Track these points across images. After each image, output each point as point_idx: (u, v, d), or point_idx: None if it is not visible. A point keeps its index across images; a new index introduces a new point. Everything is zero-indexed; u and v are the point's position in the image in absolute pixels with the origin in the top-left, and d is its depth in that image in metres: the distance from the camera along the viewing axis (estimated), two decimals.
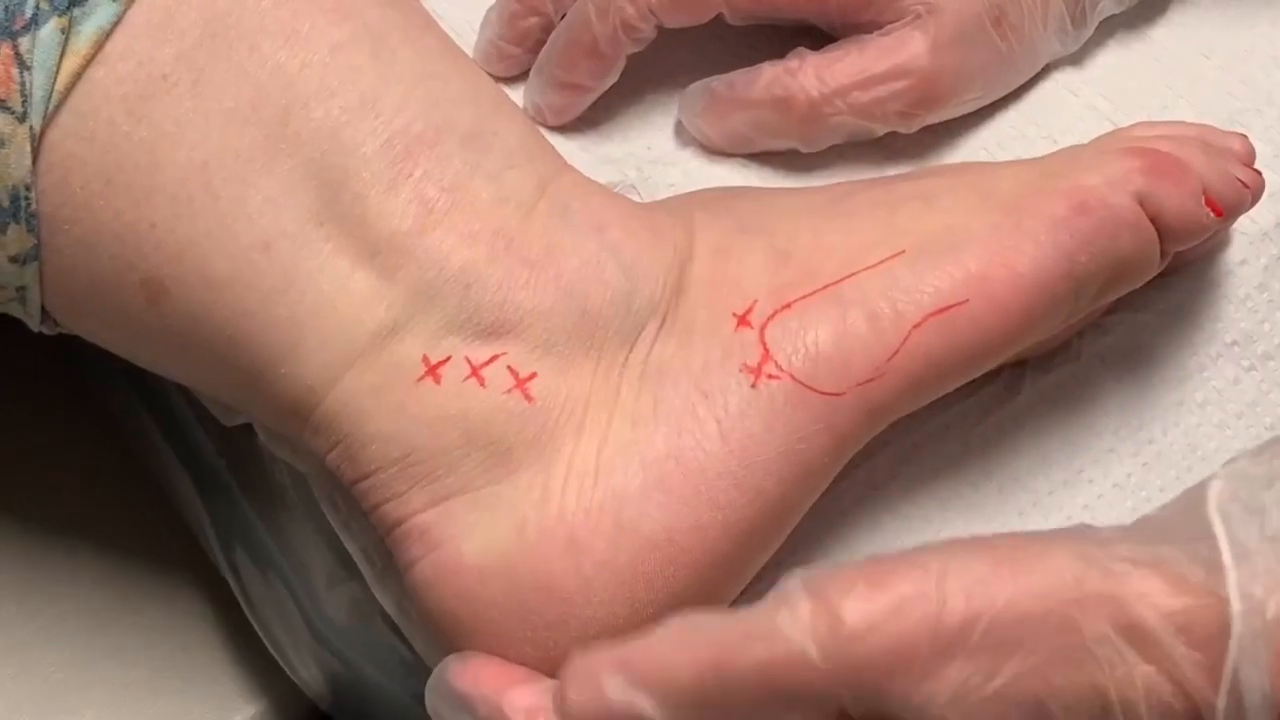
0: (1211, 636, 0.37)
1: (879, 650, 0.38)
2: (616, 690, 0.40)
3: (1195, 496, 0.40)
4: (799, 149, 0.54)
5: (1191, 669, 0.37)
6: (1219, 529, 0.39)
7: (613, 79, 0.55)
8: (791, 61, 0.53)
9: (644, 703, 0.40)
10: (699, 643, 0.40)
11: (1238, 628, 0.37)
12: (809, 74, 0.53)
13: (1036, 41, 0.55)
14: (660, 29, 0.54)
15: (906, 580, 0.39)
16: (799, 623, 0.39)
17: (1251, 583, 0.38)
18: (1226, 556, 0.38)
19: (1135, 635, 0.38)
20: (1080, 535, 0.40)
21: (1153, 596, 0.38)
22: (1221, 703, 0.37)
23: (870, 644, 0.38)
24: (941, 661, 0.38)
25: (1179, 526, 0.40)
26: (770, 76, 0.53)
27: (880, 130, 0.54)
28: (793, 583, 0.40)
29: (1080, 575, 0.39)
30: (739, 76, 0.54)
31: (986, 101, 0.55)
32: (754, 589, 0.48)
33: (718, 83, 0.54)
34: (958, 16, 0.52)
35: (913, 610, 0.38)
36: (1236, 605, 0.37)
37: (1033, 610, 0.38)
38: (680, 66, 0.57)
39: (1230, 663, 0.37)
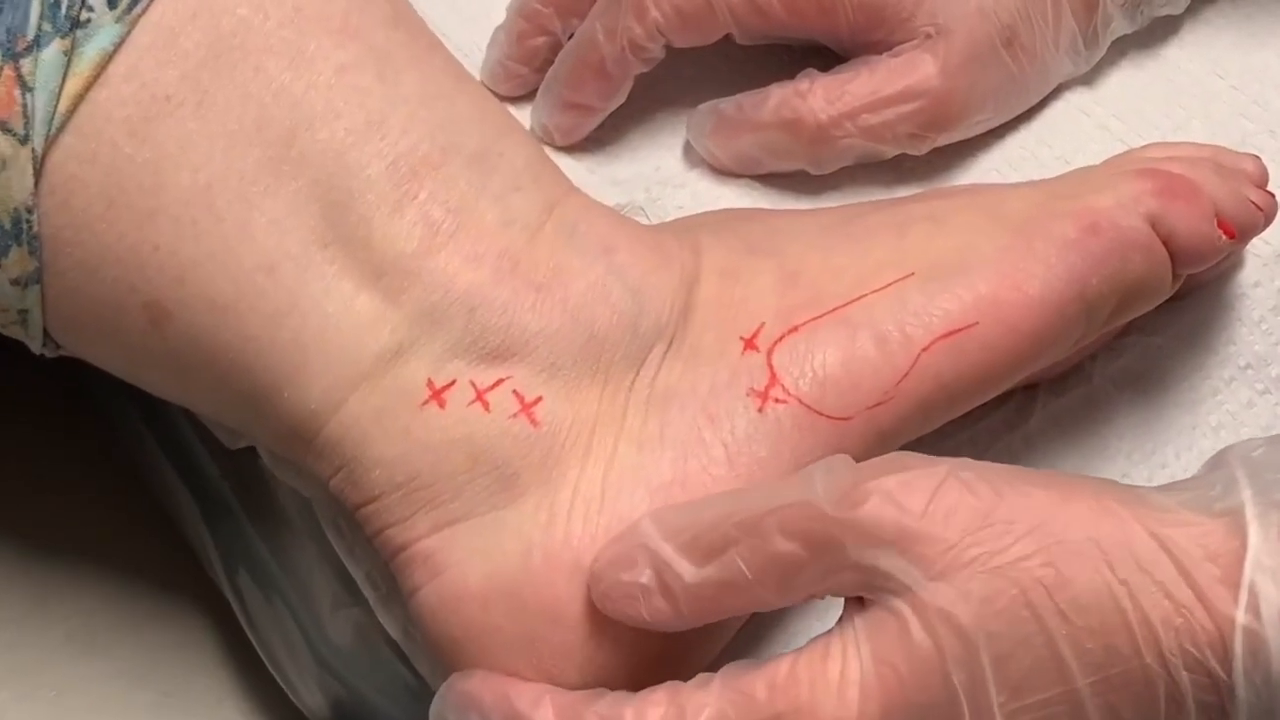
0: (1230, 552, 0.38)
1: (889, 511, 0.40)
2: (642, 533, 0.42)
3: (1213, 461, 0.42)
4: (808, 170, 0.54)
5: (1208, 581, 0.38)
6: (1236, 460, 0.40)
7: (620, 99, 0.55)
8: (801, 83, 0.53)
9: (666, 547, 0.42)
10: (720, 499, 0.43)
11: (1254, 540, 0.38)
12: (818, 96, 0.52)
13: (1048, 62, 0.54)
14: (669, 49, 0.53)
15: (928, 467, 0.41)
16: (815, 483, 0.41)
17: (1268, 500, 0.39)
18: (1242, 475, 0.40)
19: (1152, 547, 0.39)
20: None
21: (1171, 511, 0.39)
22: (1240, 616, 0.38)
23: (882, 507, 0.40)
24: (948, 533, 0.39)
25: (1199, 477, 0.42)
26: (779, 98, 0.53)
27: (890, 152, 0.53)
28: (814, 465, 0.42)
29: (1099, 489, 0.40)
30: (748, 98, 0.54)
31: (998, 123, 0.55)
32: (759, 616, 0.47)
33: (726, 104, 0.54)
34: (969, 38, 0.52)
35: (926, 483, 0.40)
36: (1253, 519, 0.38)
37: (1050, 503, 0.40)
38: (688, 87, 0.56)
39: (1247, 575, 0.38)
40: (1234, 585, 0.38)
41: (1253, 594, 0.38)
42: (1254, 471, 0.40)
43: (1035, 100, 0.56)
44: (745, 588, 0.41)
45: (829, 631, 0.41)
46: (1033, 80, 0.55)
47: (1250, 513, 0.39)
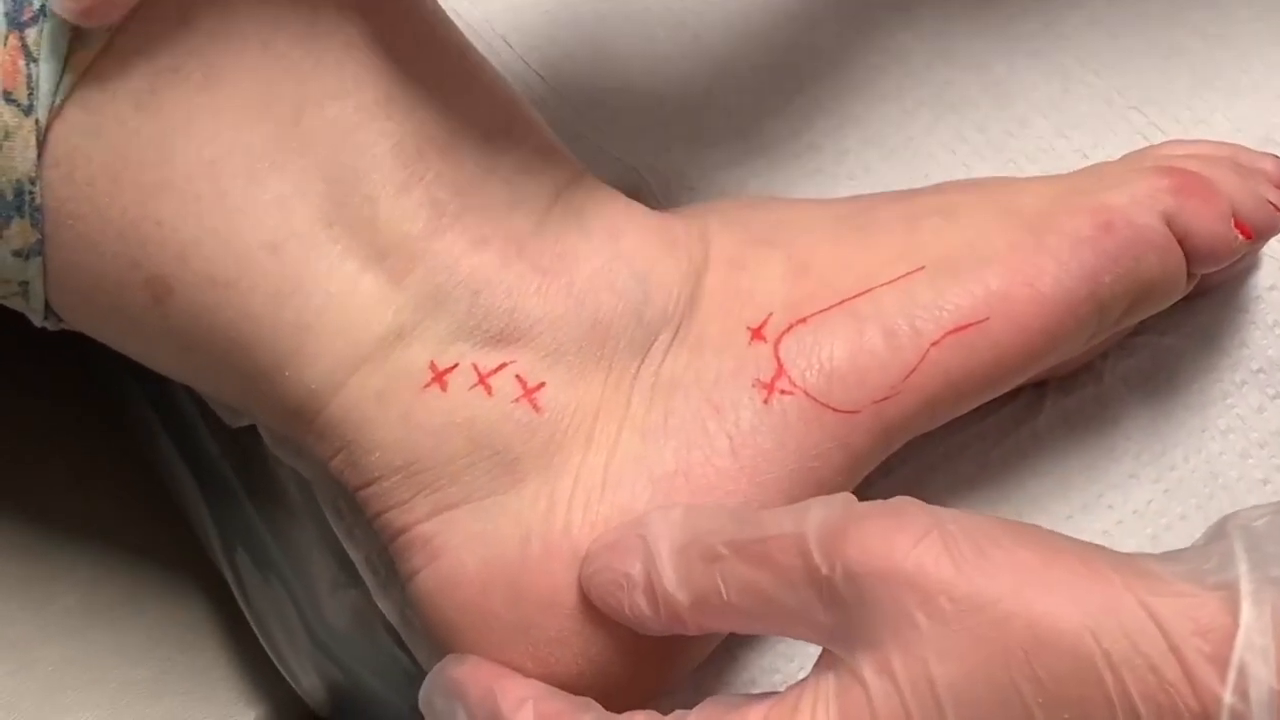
0: (1221, 628, 0.37)
1: (870, 558, 0.39)
2: (645, 524, 0.42)
3: (1213, 530, 0.40)
4: None
5: (1196, 658, 0.36)
6: (1235, 531, 0.39)
7: None
8: None
9: (661, 545, 0.42)
10: (724, 513, 0.42)
11: (1247, 618, 0.36)
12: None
13: None
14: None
15: (917, 517, 0.39)
16: (810, 517, 0.40)
17: (1264, 576, 0.37)
18: (1239, 547, 0.38)
19: (1140, 617, 0.37)
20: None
21: (1164, 581, 0.38)
22: (1228, 697, 0.36)
23: (864, 552, 0.39)
24: (927, 586, 0.38)
25: (1197, 547, 0.40)
26: None
27: None
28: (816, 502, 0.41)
29: (1089, 552, 0.39)
30: None
31: None
32: None
33: None
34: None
35: (911, 535, 0.39)
36: (1248, 595, 0.37)
37: (1036, 564, 0.38)
38: (704, 67, 0.56)
39: (1237, 654, 0.36)
40: (1223, 663, 0.36)
41: (1242, 674, 0.36)
42: (1253, 544, 0.38)
43: None
44: (719, 608, 0.41)
45: (802, 683, 0.40)
46: None
47: (1245, 588, 0.37)
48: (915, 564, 0.38)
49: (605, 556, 0.43)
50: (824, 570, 0.39)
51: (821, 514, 0.40)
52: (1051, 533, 0.40)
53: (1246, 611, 0.36)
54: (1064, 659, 0.37)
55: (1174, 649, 0.37)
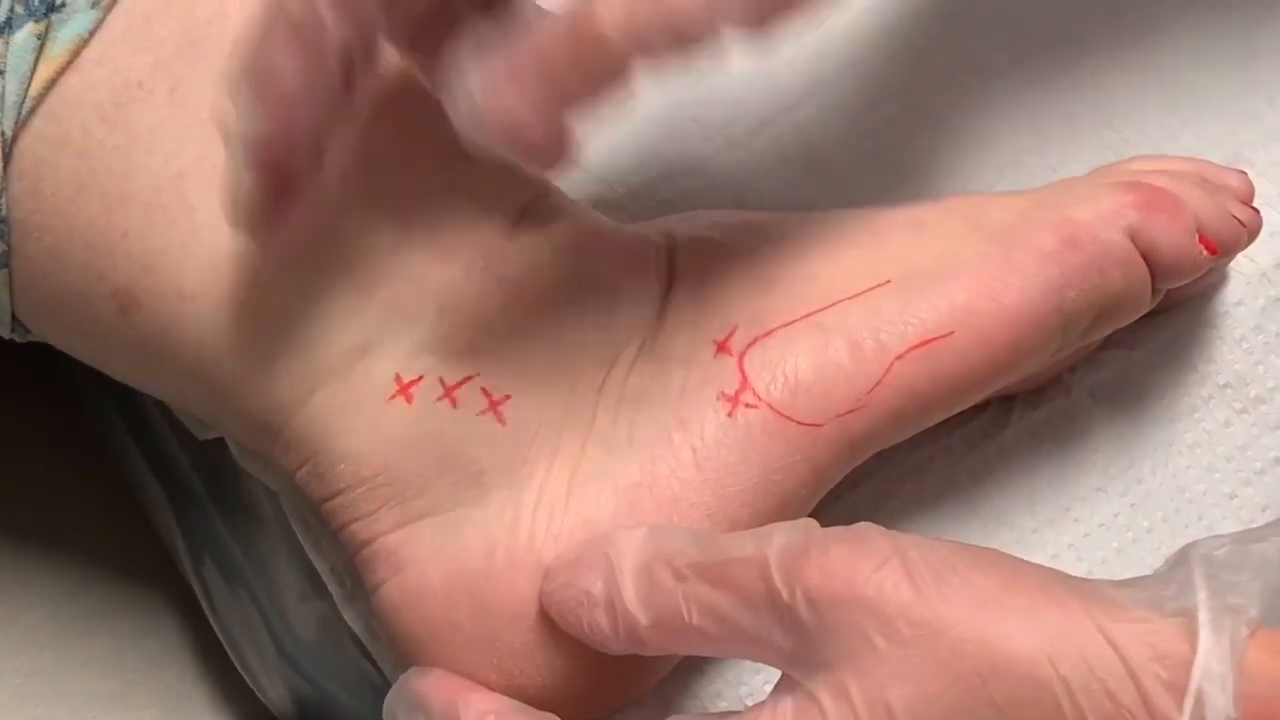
0: (1178, 655, 0.37)
1: (829, 581, 0.39)
2: (609, 542, 0.42)
3: (1174, 558, 0.40)
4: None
5: (1154, 684, 0.37)
6: (1195, 559, 0.39)
7: (331, 105, 0.40)
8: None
9: (625, 564, 0.42)
10: (689, 535, 0.42)
11: (1205, 645, 0.36)
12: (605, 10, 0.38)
13: None
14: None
15: (877, 541, 0.39)
16: (773, 541, 0.40)
17: (1222, 603, 0.37)
18: (1199, 575, 0.38)
19: (1098, 642, 0.37)
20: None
21: (1122, 607, 0.38)
22: None
23: (823, 576, 0.39)
24: (885, 610, 0.38)
25: (1157, 574, 0.40)
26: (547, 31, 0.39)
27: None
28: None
29: (1047, 578, 0.39)
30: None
31: None
32: None
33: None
34: None
35: (871, 559, 0.39)
36: (1206, 623, 0.37)
37: (994, 589, 0.38)
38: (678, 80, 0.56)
39: (1195, 681, 0.36)
40: (1180, 690, 0.36)
41: (1199, 701, 0.36)
42: (1212, 573, 0.38)
43: None
44: (679, 629, 0.41)
45: (760, 705, 0.40)
46: None
47: (1203, 616, 0.37)
48: (875, 589, 0.38)
49: (567, 573, 0.43)
50: (784, 594, 0.39)
51: (784, 538, 0.40)
52: (1012, 558, 0.40)
53: (1204, 639, 0.36)
54: (1021, 684, 0.37)
55: (1132, 675, 0.37)
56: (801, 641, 0.39)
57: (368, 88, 0.41)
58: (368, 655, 0.51)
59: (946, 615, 0.38)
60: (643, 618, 0.41)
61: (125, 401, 0.59)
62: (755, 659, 0.41)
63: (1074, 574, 0.49)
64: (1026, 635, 0.37)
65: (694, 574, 0.41)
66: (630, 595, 0.41)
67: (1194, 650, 0.36)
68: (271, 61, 0.39)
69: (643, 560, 0.42)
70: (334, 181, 0.42)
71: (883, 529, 0.40)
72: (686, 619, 0.40)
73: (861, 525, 0.41)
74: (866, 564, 0.39)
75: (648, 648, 0.42)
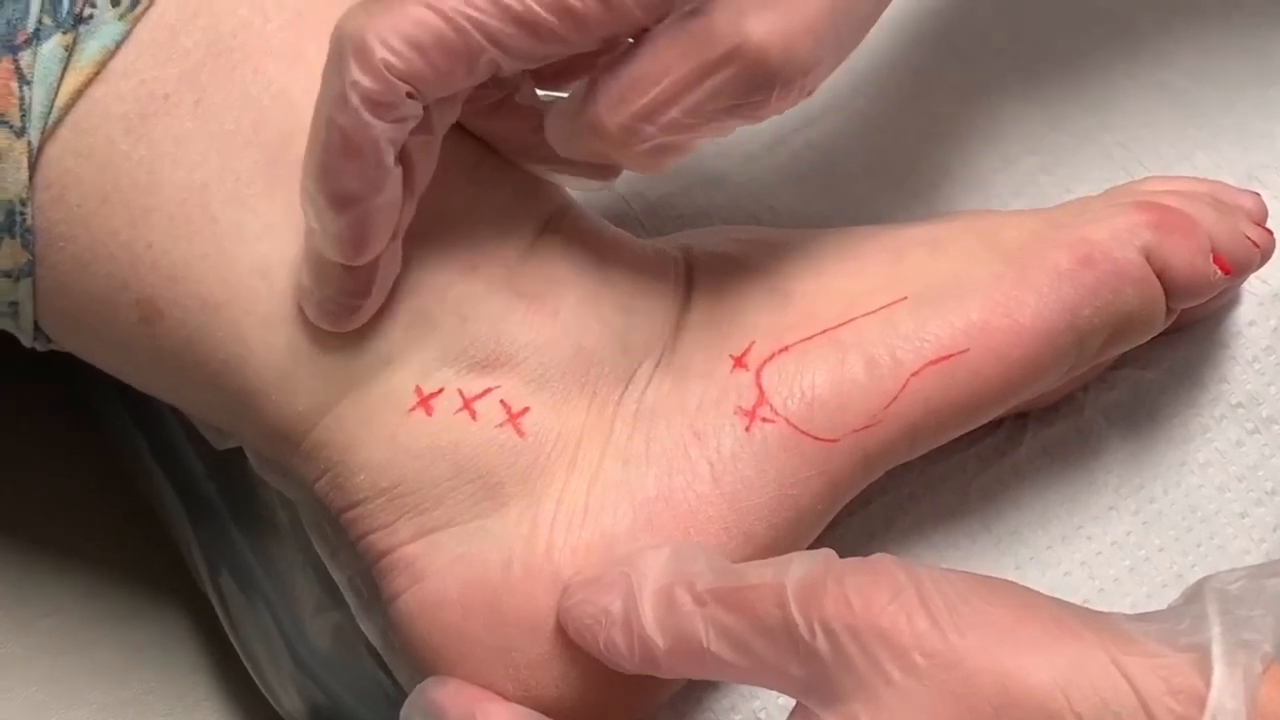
0: (1191, 689, 0.37)
1: (843, 610, 0.39)
2: (630, 562, 0.43)
3: (1189, 592, 0.40)
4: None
5: (1167, 718, 0.37)
6: (1209, 593, 0.39)
7: (394, 190, 0.41)
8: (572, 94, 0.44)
9: (645, 584, 0.42)
10: (710, 559, 0.42)
11: (1219, 680, 0.36)
12: (600, 101, 0.42)
13: None
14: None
15: (894, 574, 0.39)
16: (791, 569, 0.40)
17: (1236, 639, 0.37)
18: (1213, 610, 0.38)
19: (1113, 675, 0.37)
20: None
21: (1136, 641, 0.38)
22: None
23: (838, 605, 0.39)
24: (901, 640, 0.38)
25: (1171, 608, 0.40)
26: (554, 124, 0.44)
27: (720, 134, 0.43)
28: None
29: (1061, 610, 0.39)
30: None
31: (848, 50, 0.44)
32: None
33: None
34: None
35: (887, 590, 0.39)
36: (1219, 658, 0.37)
37: (1008, 621, 0.38)
38: None
39: (1209, 716, 0.36)
40: None
41: None
42: (1226, 607, 0.38)
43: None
44: (695, 652, 0.41)
45: None
46: None
47: (1217, 651, 0.37)
48: (890, 620, 0.38)
49: (586, 590, 0.43)
50: (800, 623, 0.39)
51: (802, 567, 0.40)
52: (1026, 590, 0.40)
53: (1218, 673, 0.37)
54: (1034, 717, 0.37)
55: (1145, 709, 0.37)
56: (817, 671, 0.39)
57: (426, 163, 0.43)
58: (383, 666, 0.51)
59: (961, 647, 0.38)
60: (660, 640, 0.41)
61: (142, 411, 0.59)
62: (771, 687, 0.41)
63: (1086, 591, 0.50)
64: (1040, 668, 0.37)
65: (713, 599, 0.41)
66: (649, 617, 0.41)
67: (1208, 685, 0.36)
68: (332, 167, 0.40)
69: (663, 582, 0.42)
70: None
71: (898, 560, 0.40)
72: (704, 644, 0.41)
73: (878, 556, 0.41)
74: (882, 595, 0.39)
75: (663, 670, 0.42)
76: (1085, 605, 0.49)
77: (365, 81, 0.39)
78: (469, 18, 0.39)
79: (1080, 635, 0.38)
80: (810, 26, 0.40)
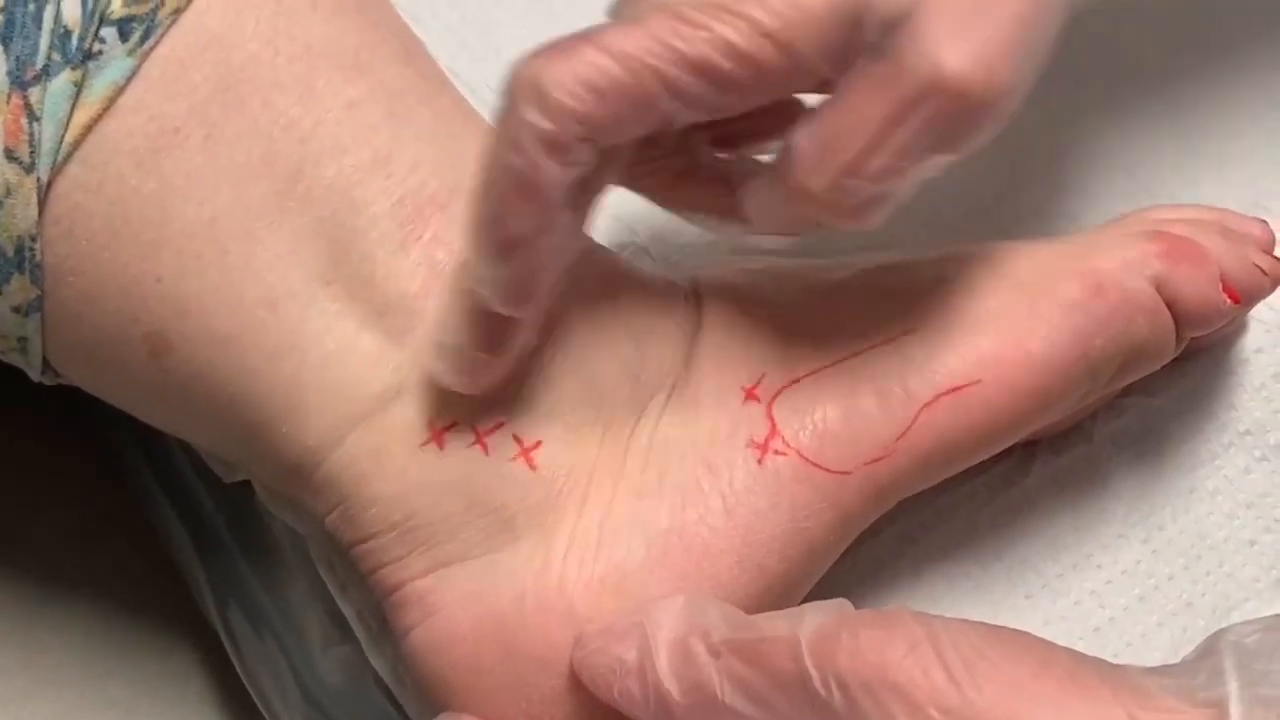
0: None
1: (858, 664, 0.38)
2: (646, 612, 0.42)
3: (1204, 645, 0.40)
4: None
5: None
6: (1225, 647, 0.38)
7: (562, 234, 0.42)
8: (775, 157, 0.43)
9: (660, 634, 0.41)
10: (724, 610, 0.42)
11: None
12: (802, 157, 0.41)
13: None
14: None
15: (909, 627, 0.39)
16: (806, 622, 0.40)
17: (1254, 695, 0.37)
18: (1229, 664, 0.38)
19: None
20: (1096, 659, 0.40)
21: (1153, 696, 0.37)
22: None
23: (853, 659, 0.39)
24: (916, 696, 0.38)
25: (1186, 662, 0.40)
26: (752, 187, 0.44)
27: (930, 174, 0.42)
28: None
29: (1078, 664, 0.39)
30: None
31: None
32: None
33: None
34: None
35: (901, 645, 0.39)
36: (1236, 716, 0.36)
37: (1024, 677, 0.38)
38: None
39: None
40: None
41: None
42: (1243, 662, 0.38)
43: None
44: (709, 704, 0.41)
45: None
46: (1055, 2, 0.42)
47: (1235, 709, 0.36)
48: (905, 675, 0.38)
49: (601, 639, 0.43)
50: (815, 677, 0.39)
51: (817, 620, 0.40)
52: (1044, 643, 0.40)
53: None
54: None
55: None
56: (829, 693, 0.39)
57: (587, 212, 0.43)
58: (393, 700, 0.51)
59: (978, 703, 0.38)
60: (675, 691, 0.41)
61: (151, 444, 0.59)
62: None
63: (1097, 619, 0.50)
64: None
65: (728, 651, 0.41)
66: (664, 667, 0.41)
67: None
68: (503, 210, 0.40)
69: (679, 633, 0.41)
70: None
71: (915, 612, 0.40)
72: (719, 696, 0.40)
73: (894, 608, 0.40)
74: (897, 649, 0.39)
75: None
76: (1097, 632, 0.50)
77: (540, 123, 0.39)
78: (647, 65, 0.39)
79: (1097, 692, 0.38)
80: (1005, 49, 0.39)
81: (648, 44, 0.39)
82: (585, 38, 0.39)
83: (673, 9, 0.39)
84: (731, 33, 0.39)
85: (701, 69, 0.39)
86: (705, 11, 0.39)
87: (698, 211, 0.47)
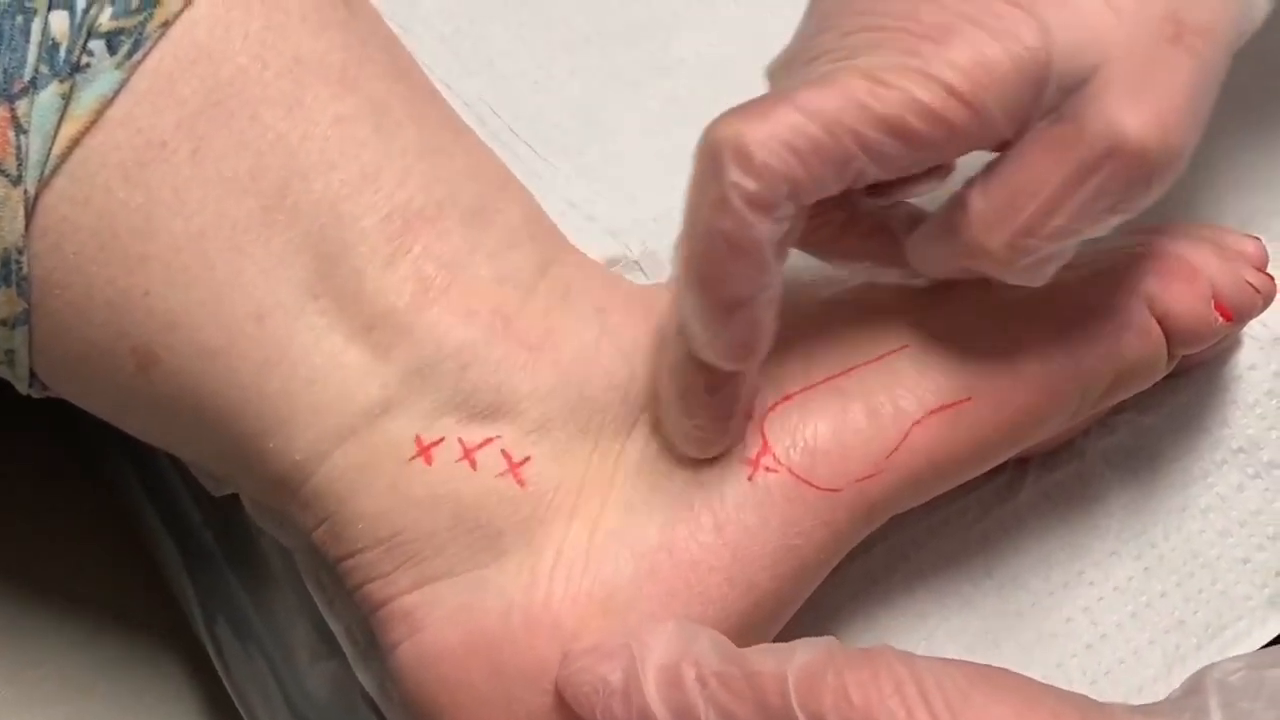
0: None
1: (842, 705, 0.39)
2: (634, 635, 0.43)
3: (1189, 683, 0.40)
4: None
5: None
6: (1210, 685, 0.38)
7: (775, 286, 0.42)
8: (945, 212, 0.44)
9: (648, 659, 0.42)
10: (714, 640, 0.42)
11: None
12: (975, 220, 0.42)
13: (1227, 30, 0.42)
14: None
15: (893, 667, 0.39)
16: (795, 658, 0.40)
17: None
18: (1214, 703, 0.38)
19: None
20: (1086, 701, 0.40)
21: None
22: None
23: (836, 700, 0.39)
24: None
25: (1172, 700, 0.40)
26: (930, 252, 0.45)
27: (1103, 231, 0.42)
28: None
29: (1062, 703, 0.39)
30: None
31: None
32: None
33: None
34: (1130, 54, 0.40)
35: (885, 687, 0.39)
36: None
37: (1008, 717, 0.38)
38: (696, 133, 0.56)
39: None
40: None
41: None
42: (1228, 700, 0.38)
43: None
44: None
45: None
46: (1221, 62, 0.42)
47: None
48: (889, 717, 0.38)
49: (587, 658, 0.43)
50: (800, 716, 0.39)
51: (805, 658, 0.40)
52: (1029, 682, 0.40)
53: None
54: None
55: None
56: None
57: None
58: (380, 715, 0.51)
59: None
60: (661, 715, 0.41)
61: (139, 457, 0.59)
62: None
63: (1089, 636, 0.50)
64: None
65: (717, 682, 0.41)
66: (652, 692, 0.41)
67: None
68: (717, 273, 0.41)
69: (669, 659, 0.41)
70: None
71: (899, 652, 0.40)
72: None
73: (879, 648, 0.41)
74: (882, 690, 0.39)
75: None
76: (1089, 649, 0.50)
77: (748, 184, 0.39)
78: (844, 126, 0.39)
79: None
80: (1179, 110, 0.40)
81: (843, 104, 0.39)
82: (781, 98, 0.40)
83: (861, 69, 0.40)
84: (924, 93, 0.39)
85: (895, 129, 0.40)
86: (897, 72, 0.40)
87: (863, 261, 0.47)
